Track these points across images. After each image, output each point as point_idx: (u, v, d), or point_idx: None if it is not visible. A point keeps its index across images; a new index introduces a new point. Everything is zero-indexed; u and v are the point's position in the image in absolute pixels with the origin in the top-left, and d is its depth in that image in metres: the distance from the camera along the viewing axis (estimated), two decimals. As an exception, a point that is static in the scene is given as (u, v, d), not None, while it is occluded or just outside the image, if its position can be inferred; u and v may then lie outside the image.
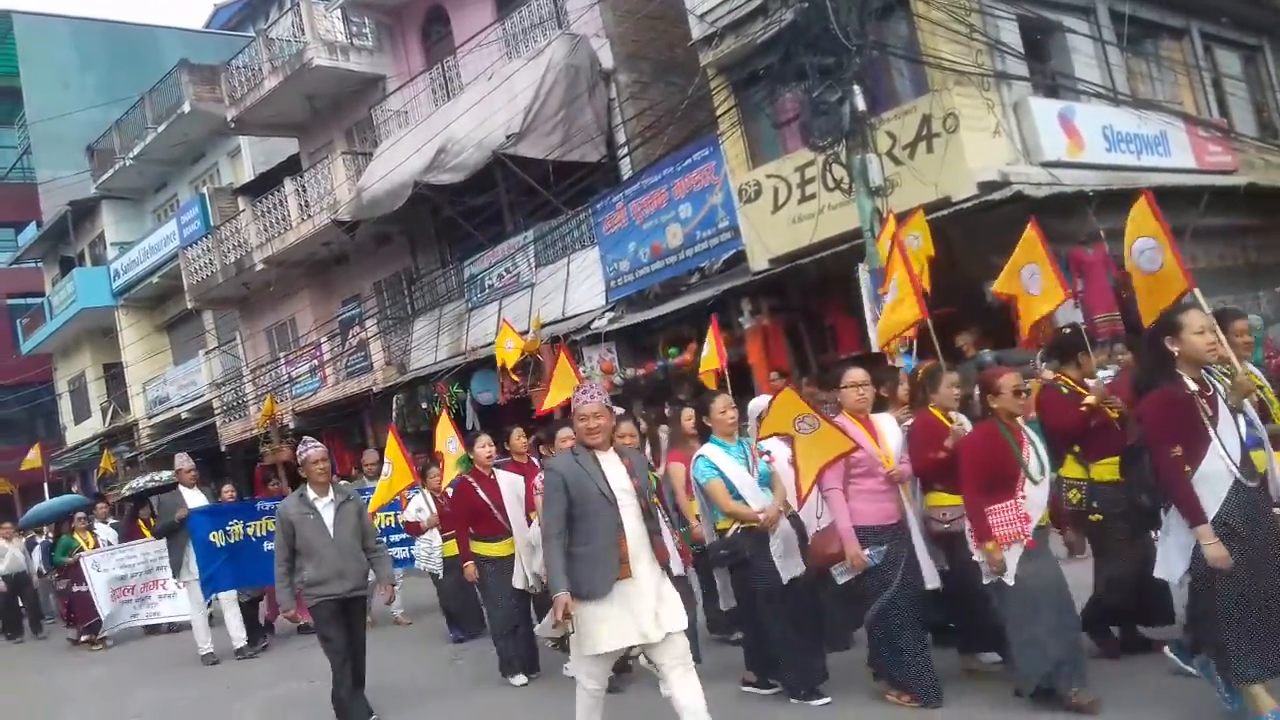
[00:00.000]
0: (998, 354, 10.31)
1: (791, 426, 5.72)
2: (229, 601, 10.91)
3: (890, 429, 5.81)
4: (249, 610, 11.35)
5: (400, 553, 11.08)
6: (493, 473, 7.95)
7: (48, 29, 32.41)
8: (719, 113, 14.08)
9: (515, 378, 15.86)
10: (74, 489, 31.30)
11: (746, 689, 6.24)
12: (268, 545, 10.09)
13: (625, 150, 16.33)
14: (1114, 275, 11.46)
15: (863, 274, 11.03)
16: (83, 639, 13.90)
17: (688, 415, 7.07)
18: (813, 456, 5.63)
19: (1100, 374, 8.17)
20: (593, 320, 16.08)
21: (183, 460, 11.70)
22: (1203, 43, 15.81)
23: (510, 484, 7.86)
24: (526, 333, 15.63)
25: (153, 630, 13.87)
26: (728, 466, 5.97)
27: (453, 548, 9.07)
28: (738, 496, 5.92)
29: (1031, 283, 6.96)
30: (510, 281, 18.08)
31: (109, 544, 14.33)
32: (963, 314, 12.06)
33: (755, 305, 13.80)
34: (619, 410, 9.85)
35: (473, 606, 9.53)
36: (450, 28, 20.05)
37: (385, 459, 10.10)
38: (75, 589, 13.85)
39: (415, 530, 10.34)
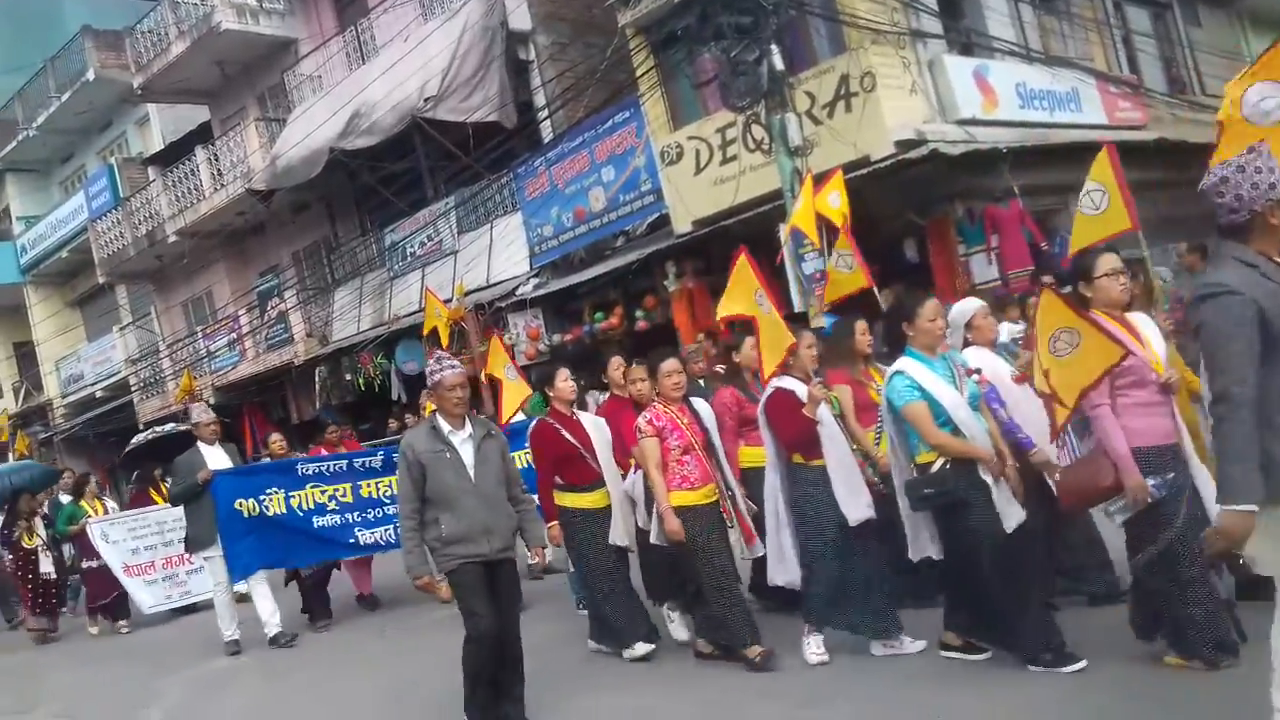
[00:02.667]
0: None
1: (1048, 348, 4.62)
2: (255, 579, 8.85)
3: (1151, 330, 4.81)
4: (319, 589, 9.58)
5: None
6: (574, 412, 6.78)
7: (-60, -6, 31.08)
8: (639, 74, 13.98)
9: (441, 347, 15.70)
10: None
11: (949, 654, 5.19)
12: (318, 520, 9.06)
13: (545, 113, 16.16)
14: (1029, 230, 11.67)
15: (784, 234, 11.06)
16: (115, 621, 11.46)
17: (750, 345, 6.40)
18: (1073, 380, 4.59)
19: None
20: (517, 286, 15.96)
21: (201, 412, 9.55)
22: (1113, 0, 16.05)
23: (595, 425, 6.70)
24: (450, 300, 15.46)
25: (182, 611, 11.56)
26: (934, 385, 4.94)
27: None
28: (945, 424, 4.91)
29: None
30: (433, 249, 17.86)
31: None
32: (882, 272, 12.20)
33: (680, 268, 13.80)
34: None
35: None
36: (363, -11, 19.63)
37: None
38: (85, 564, 11.72)
39: None
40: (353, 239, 20.23)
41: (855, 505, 5.37)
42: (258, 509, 8.77)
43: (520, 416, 9.22)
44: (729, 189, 12.96)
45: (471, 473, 5.28)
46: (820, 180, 10.37)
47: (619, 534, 6.43)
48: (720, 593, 5.70)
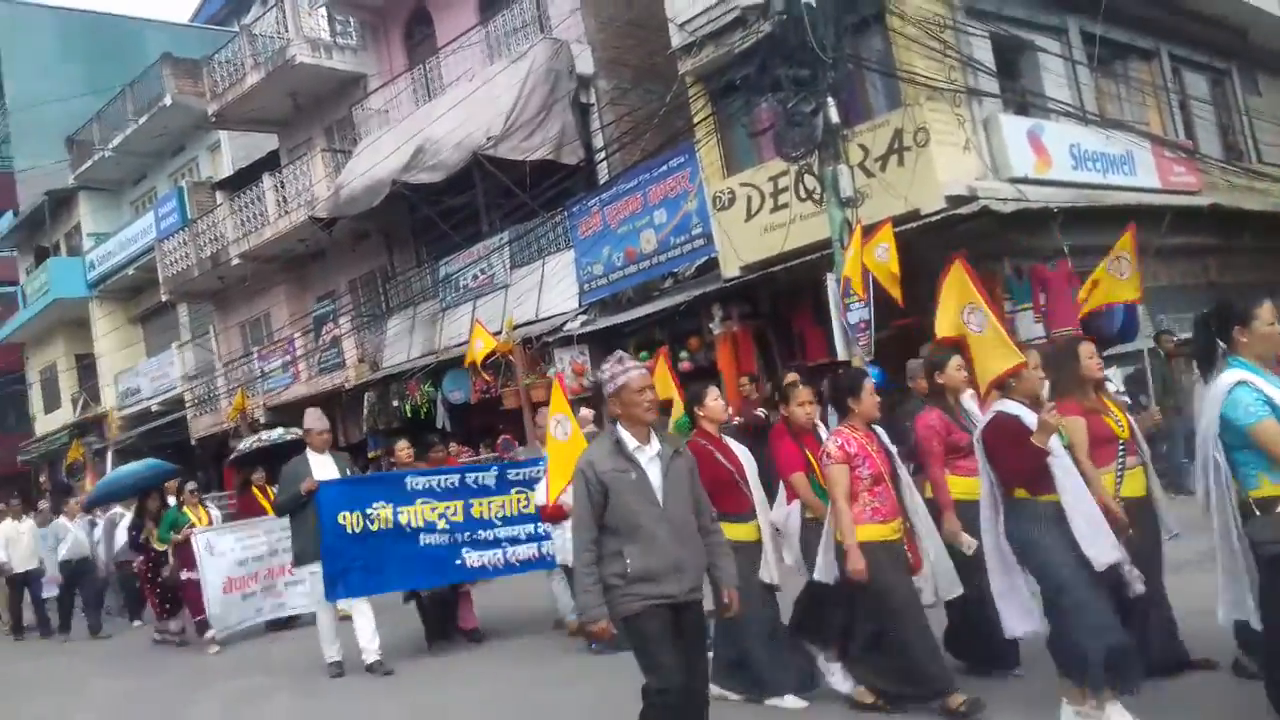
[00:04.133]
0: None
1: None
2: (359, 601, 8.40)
3: None
4: (436, 610, 9.05)
5: (526, 551, 8.87)
6: (723, 436, 6.19)
7: (29, 17, 32.26)
8: (696, 120, 14.23)
9: (487, 377, 15.98)
10: (41, 480, 31.16)
11: None
12: (426, 538, 8.43)
13: (603, 155, 16.46)
14: (1077, 290, 11.70)
15: (831, 283, 11.19)
16: (205, 636, 10.86)
17: (956, 364, 5.77)
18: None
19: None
20: (565, 322, 16.19)
21: (314, 418, 8.87)
22: (1171, 65, 16.08)
23: (745, 452, 6.15)
24: (500, 333, 15.73)
25: (278, 626, 11.21)
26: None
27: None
28: None
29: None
30: (485, 282, 18.16)
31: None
32: (926, 325, 12.26)
33: (726, 311, 13.96)
34: (589, 412, 9.95)
35: None
36: (433, 29, 20.14)
37: (553, 416, 7.69)
38: (185, 575, 11.07)
39: (557, 516, 7.89)
40: (409, 269, 20.60)
41: (1101, 545, 4.67)
42: (362, 523, 8.20)
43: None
44: (778, 236, 13.12)
45: (660, 497, 4.46)
46: (870, 232, 10.53)
47: (771, 570, 5.95)
48: (909, 634, 5.22)
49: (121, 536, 13.71)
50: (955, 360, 5.76)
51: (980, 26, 12.84)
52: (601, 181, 16.38)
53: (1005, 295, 12.01)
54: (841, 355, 11.02)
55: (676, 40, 14.30)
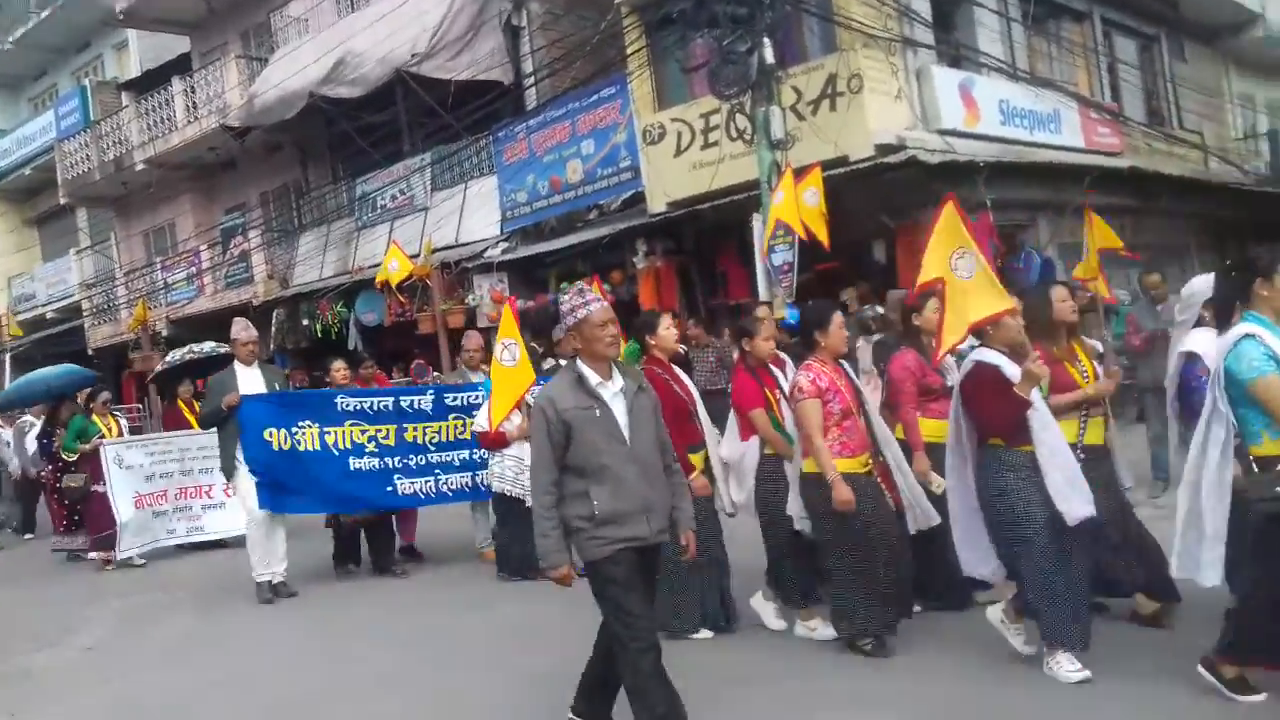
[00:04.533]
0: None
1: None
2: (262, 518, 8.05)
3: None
4: (349, 535, 8.77)
5: (460, 479, 8.55)
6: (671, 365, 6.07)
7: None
8: (629, 52, 13.96)
9: (402, 300, 15.68)
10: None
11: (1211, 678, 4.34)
12: (354, 462, 8.13)
13: (531, 80, 16.10)
14: (995, 244, 11.84)
15: (757, 224, 11.15)
16: (97, 555, 10.31)
17: (934, 307, 5.62)
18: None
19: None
20: (486, 249, 15.92)
21: (241, 328, 8.49)
22: (1103, 28, 16.28)
23: (691, 384, 6.11)
24: (417, 256, 15.40)
25: (190, 549, 10.69)
26: None
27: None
28: None
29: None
30: (404, 203, 17.75)
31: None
32: (849, 270, 12.36)
33: (650, 246, 13.83)
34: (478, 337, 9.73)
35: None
36: (360, -65, 19.41)
37: (500, 340, 7.33)
38: (93, 487, 10.36)
39: (498, 443, 7.70)
40: (324, 185, 20.04)
41: (1076, 500, 4.62)
42: (289, 442, 7.88)
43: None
44: (707, 174, 13.00)
45: (627, 435, 4.22)
46: (799, 175, 10.48)
47: (726, 501, 6.00)
48: (876, 566, 5.17)
49: (31, 445, 13.14)
50: (933, 303, 5.66)
51: (919, -25, 12.78)
52: (529, 108, 16.03)
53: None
54: (764, 296, 11.04)
55: (613, -34, 13.98)
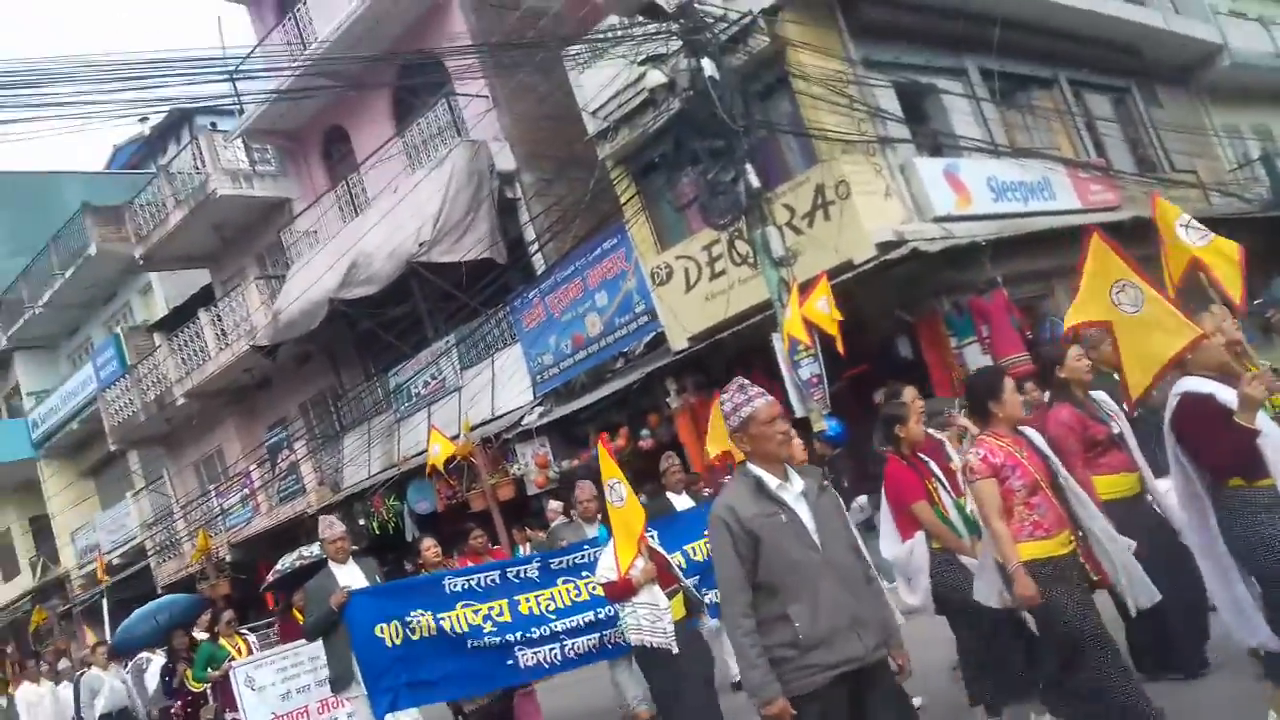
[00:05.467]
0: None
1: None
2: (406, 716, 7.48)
3: None
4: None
5: (587, 642, 7.77)
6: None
7: (-57, 184, 32.05)
8: (623, 201, 14.44)
9: (451, 482, 15.86)
10: (8, 650, 30.17)
11: None
12: (473, 642, 7.49)
13: (535, 246, 16.60)
14: (1017, 318, 11.93)
15: (777, 342, 11.32)
16: None
17: (1076, 354, 5.44)
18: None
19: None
20: (522, 416, 16.17)
21: (326, 526, 8.05)
22: (1071, 89, 16.61)
23: None
24: (458, 437, 15.65)
25: None
26: None
27: (680, 607, 6.54)
28: None
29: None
30: (436, 387, 18.12)
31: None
32: (876, 371, 12.44)
33: (680, 384, 14.04)
34: (557, 504, 9.79)
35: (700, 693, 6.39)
36: (351, 145, 20.31)
37: (605, 482, 6.76)
38: (229, 716, 9.82)
39: (627, 592, 6.59)
40: (358, 385, 20.51)
41: None
42: (401, 634, 7.31)
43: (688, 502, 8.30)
44: (720, 303, 13.27)
45: (817, 540, 3.77)
46: (806, 288, 10.70)
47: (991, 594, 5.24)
48: (1100, 666, 4.45)
49: (152, 683, 12.41)
50: (1074, 350, 5.39)
51: (881, 77, 13.23)
52: (539, 273, 16.50)
53: (948, 333, 12.21)
54: (799, 411, 11.11)
55: (592, 127, 14.57)
